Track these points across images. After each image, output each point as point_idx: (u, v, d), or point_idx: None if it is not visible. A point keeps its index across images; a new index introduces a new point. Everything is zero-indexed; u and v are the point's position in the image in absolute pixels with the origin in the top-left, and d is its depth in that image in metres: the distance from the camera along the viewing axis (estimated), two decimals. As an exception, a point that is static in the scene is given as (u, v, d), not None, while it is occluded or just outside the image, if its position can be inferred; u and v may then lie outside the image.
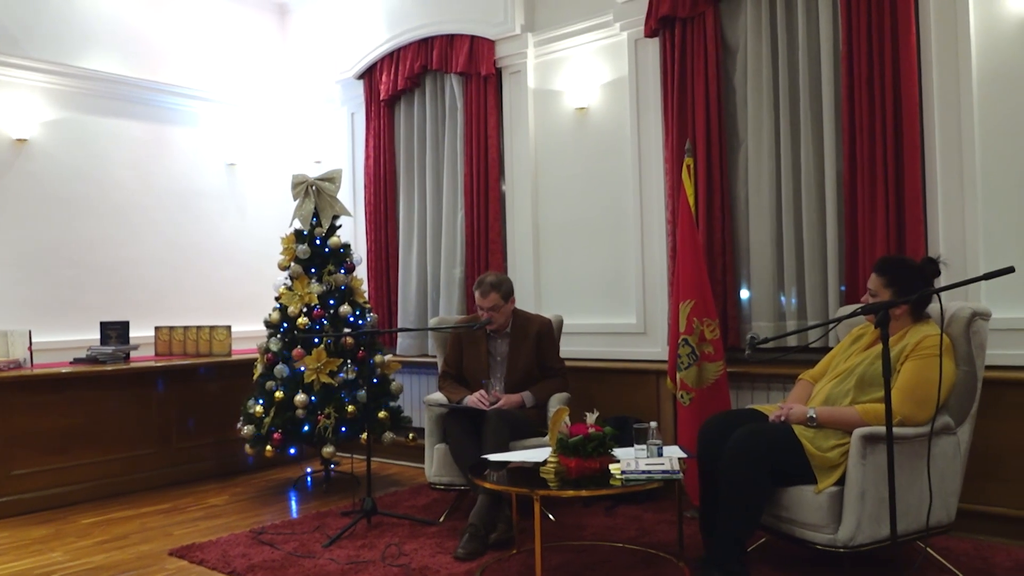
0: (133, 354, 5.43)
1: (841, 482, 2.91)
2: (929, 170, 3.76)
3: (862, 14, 3.85)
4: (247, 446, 4.79)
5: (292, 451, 4.93)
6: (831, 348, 3.50)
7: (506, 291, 4.26)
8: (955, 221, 3.70)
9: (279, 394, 4.70)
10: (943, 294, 2.66)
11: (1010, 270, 2.42)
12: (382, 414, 4.86)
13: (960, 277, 3.45)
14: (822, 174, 4.05)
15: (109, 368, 5.04)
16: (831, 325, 3.66)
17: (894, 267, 3.13)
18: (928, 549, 3.20)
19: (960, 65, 3.67)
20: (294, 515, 4.45)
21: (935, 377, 2.84)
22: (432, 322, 4.83)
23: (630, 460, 3.11)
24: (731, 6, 4.37)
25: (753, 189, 4.26)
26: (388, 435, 4.89)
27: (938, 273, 3.12)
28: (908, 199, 3.74)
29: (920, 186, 3.74)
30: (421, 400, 4.95)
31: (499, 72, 5.34)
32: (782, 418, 3.09)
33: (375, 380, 4.91)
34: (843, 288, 3.98)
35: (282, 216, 5.94)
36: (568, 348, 4.69)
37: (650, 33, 4.57)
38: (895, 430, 2.58)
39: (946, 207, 3.72)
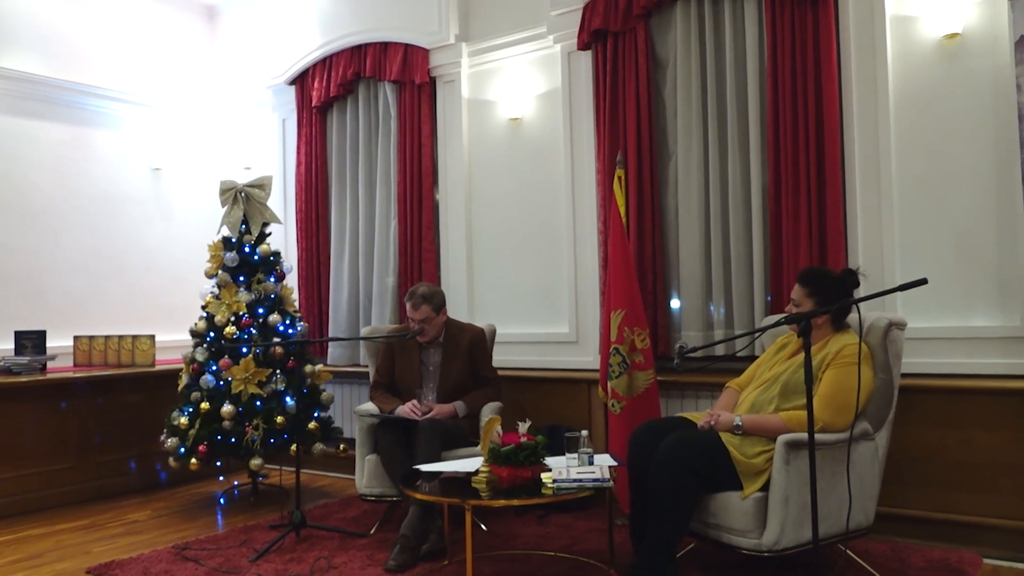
0: (50, 364, 5.23)
1: (766, 488, 2.98)
2: (849, 185, 3.90)
3: (786, 35, 3.97)
4: (171, 459, 4.65)
5: (218, 464, 4.81)
6: (757, 357, 3.59)
7: (437, 303, 4.24)
8: (873, 234, 3.84)
9: (205, 405, 4.58)
10: (862, 304, 2.75)
11: (923, 282, 2.54)
12: (312, 425, 4.78)
13: (878, 288, 3.58)
14: (748, 187, 4.16)
15: (24, 379, 4.84)
16: (757, 334, 3.76)
17: (816, 278, 3.23)
18: (848, 551, 3.31)
19: (878, 85, 3.83)
20: (220, 529, 4.34)
21: (854, 385, 2.94)
22: (364, 331, 4.78)
23: (562, 469, 3.13)
24: (661, 22, 4.46)
25: (683, 201, 4.35)
26: (318, 446, 4.81)
27: (857, 284, 3.22)
28: (829, 212, 3.87)
29: (841, 200, 3.88)
30: (352, 410, 4.89)
31: (433, 81, 5.34)
32: (711, 423, 3.15)
33: (305, 390, 4.83)
34: (768, 298, 4.09)
35: (210, 223, 5.80)
36: (501, 357, 4.70)
37: (583, 46, 4.63)
38: (817, 436, 2.66)
39: (865, 220, 3.86)
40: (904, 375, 3.34)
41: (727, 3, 4.20)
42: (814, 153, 3.91)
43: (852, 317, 3.24)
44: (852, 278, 3.20)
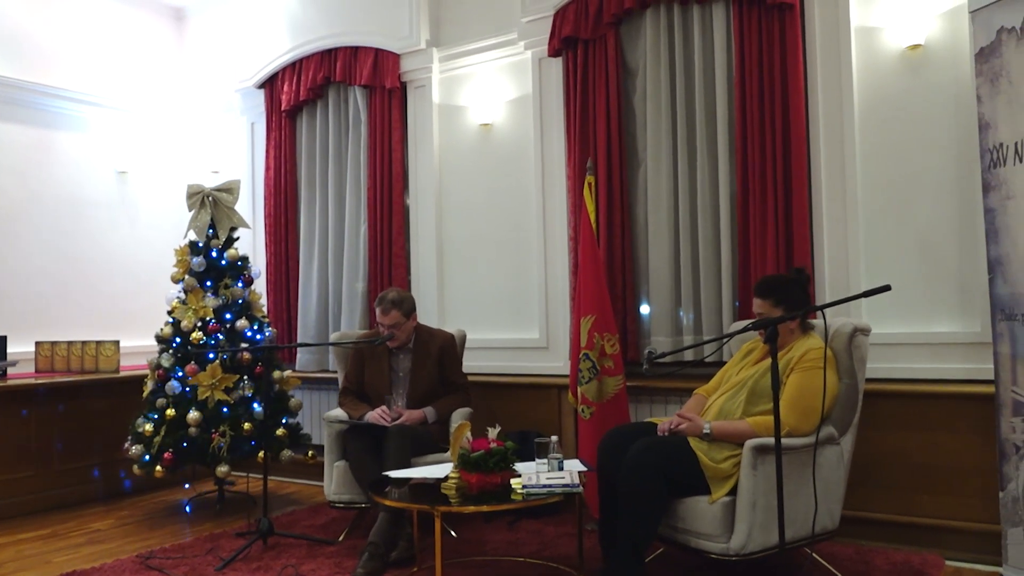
0: (11, 370, 5.12)
1: (734, 492, 3.01)
2: (815, 192, 3.96)
3: (754, 44, 4.02)
4: (135, 467, 4.58)
5: (184, 471, 4.74)
6: (725, 362, 3.62)
7: (407, 308, 4.23)
8: (839, 241, 3.90)
9: (171, 412, 4.52)
10: (827, 310, 2.79)
11: (887, 288, 2.58)
12: (280, 431, 4.73)
13: (843, 294, 3.65)
14: (717, 194, 4.20)
15: (-17, 386, 4.75)
16: (725, 340, 3.79)
17: (775, 286, 3.27)
18: (814, 555, 3.34)
19: (843, 94, 3.88)
20: (185, 538, 4.27)
21: (819, 388, 2.97)
22: (333, 337, 4.75)
23: (531, 474, 3.13)
24: (631, 30, 4.49)
25: (652, 207, 4.38)
26: (286, 453, 4.77)
27: (809, 279, 3.34)
28: (796, 219, 3.92)
29: (807, 207, 3.93)
30: (321, 417, 4.85)
31: (404, 86, 5.33)
32: (672, 427, 3.17)
33: (273, 396, 4.78)
34: (737, 304, 4.12)
35: (177, 227, 5.74)
36: (471, 363, 4.69)
37: (553, 53, 4.65)
38: (783, 441, 2.68)
39: (830, 227, 3.91)
40: (869, 380, 3.38)
41: (696, 12, 4.25)
42: (781, 161, 3.96)
43: (816, 321, 3.28)
44: (803, 276, 3.30)
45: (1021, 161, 3.04)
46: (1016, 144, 3.06)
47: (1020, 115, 3.04)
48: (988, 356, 3.30)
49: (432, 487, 3.23)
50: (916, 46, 3.73)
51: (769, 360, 2.66)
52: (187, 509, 4.89)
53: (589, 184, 4.16)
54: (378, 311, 4.20)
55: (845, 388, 3.22)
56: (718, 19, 4.17)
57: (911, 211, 3.76)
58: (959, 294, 3.65)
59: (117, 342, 5.39)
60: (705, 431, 3.10)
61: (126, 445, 4.65)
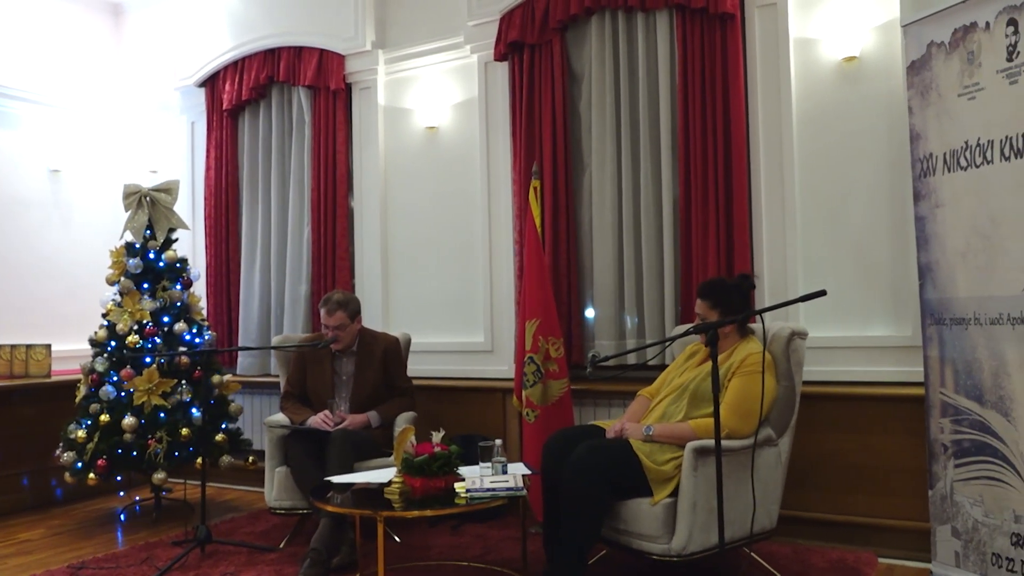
0: (-66, 376, 4.93)
1: (675, 494, 3.05)
2: (755, 198, 4.04)
3: (696, 53, 4.08)
4: (67, 474, 4.44)
5: (118, 478, 4.61)
6: (668, 365, 3.67)
7: (353, 310, 4.19)
8: (777, 246, 3.98)
9: (105, 417, 4.39)
10: (765, 314, 2.85)
11: (822, 293, 2.64)
12: (219, 437, 4.64)
13: (781, 298, 3.73)
14: (660, 200, 4.25)
15: (-96, 391, 4.55)
16: (667, 343, 3.84)
17: (715, 290, 3.34)
18: (753, 554, 3.41)
19: (782, 103, 3.98)
20: (120, 547, 4.16)
21: (759, 392, 3.03)
22: (275, 340, 4.68)
23: (475, 478, 3.13)
24: (577, 36, 4.52)
25: (596, 212, 4.41)
26: (226, 459, 4.67)
27: (753, 286, 3.38)
28: (736, 225, 3.99)
29: (747, 213, 4.01)
30: (262, 422, 4.77)
31: (348, 87, 5.28)
32: (618, 432, 3.20)
33: (212, 401, 4.68)
34: (679, 308, 4.18)
35: (112, 228, 5.57)
36: (416, 367, 4.66)
37: (500, 57, 4.66)
38: (723, 443, 2.73)
39: (770, 233, 4.00)
40: (806, 382, 3.46)
41: (640, 20, 4.30)
42: (722, 167, 4.03)
43: (756, 325, 3.35)
44: (747, 282, 3.36)
45: (950, 171, 3.15)
46: (945, 155, 3.17)
47: (948, 127, 3.15)
48: (919, 359, 3.41)
49: (375, 492, 3.21)
50: (852, 58, 3.84)
51: (710, 363, 2.70)
52: (122, 517, 4.76)
53: (535, 188, 4.18)
54: (323, 312, 4.15)
55: (783, 391, 3.29)
56: (662, 28, 4.23)
57: (846, 218, 3.87)
58: (892, 299, 3.76)
59: (48, 346, 5.23)
60: (646, 432, 3.14)
61: (57, 452, 4.51)
